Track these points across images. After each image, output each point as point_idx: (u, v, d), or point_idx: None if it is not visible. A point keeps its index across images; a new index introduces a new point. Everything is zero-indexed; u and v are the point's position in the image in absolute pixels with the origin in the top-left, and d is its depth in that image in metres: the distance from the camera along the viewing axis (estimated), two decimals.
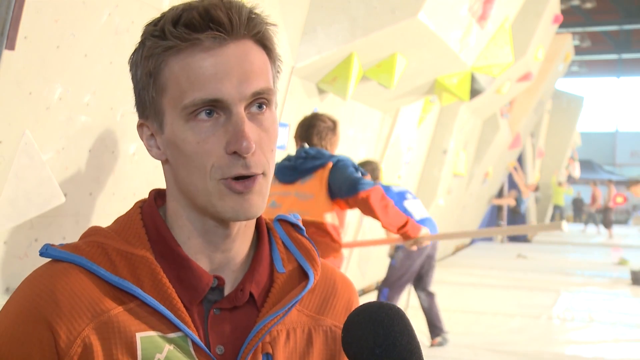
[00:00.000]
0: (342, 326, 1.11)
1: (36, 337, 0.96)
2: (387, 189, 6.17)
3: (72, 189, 3.32)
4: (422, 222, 6.26)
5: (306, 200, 4.04)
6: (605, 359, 6.47)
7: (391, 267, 6.36)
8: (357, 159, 7.32)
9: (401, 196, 6.23)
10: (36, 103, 2.99)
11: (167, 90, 0.99)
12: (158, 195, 1.10)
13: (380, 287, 6.44)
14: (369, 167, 6.12)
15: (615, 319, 8.33)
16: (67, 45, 3.07)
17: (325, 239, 4.03)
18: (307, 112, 5.97)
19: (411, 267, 6.30)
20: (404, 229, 4.17)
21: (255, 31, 1.00)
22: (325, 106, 6.27)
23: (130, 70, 1.04)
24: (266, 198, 1.02)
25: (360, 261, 8.39)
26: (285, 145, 5.74)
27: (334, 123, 4.26)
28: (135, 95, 1.05)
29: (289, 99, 5.51)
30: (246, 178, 0.99)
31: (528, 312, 8.56)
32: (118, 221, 1.08)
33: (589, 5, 19.57)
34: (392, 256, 6.42)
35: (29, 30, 2.85)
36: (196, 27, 0.97)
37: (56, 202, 3.18)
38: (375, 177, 6.11)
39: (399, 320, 0.94)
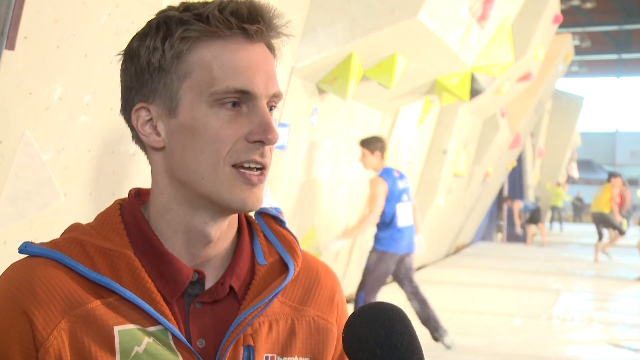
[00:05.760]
0: (325, 316, 1.13)
1: (14, 326, 0.97)
2: (387, 172, 6.17)
3: (72, 189, 3.32)
4: (404, 229, 6.26)
5: None
6: (605, 359, 6.47)
7: (366, 270, 6.34)
8: (357, 159, 7.32)
9: (399, 196, 6.22)
10: (36, 103, 2.99)
11: (191, 75, 1.01)
12: (138, 194, 1.11)
13: (357, 291, 6.35)
14: (378, 143, 6.14)
15: (615, 319, 8.33)
16: (67, 45, 3.07)
17: None
18: (307, 112, 5.98)
19: (384, 269, 6.26)
20: None
21: (275, 38, 1.06)
22: (325, 106, 6.26)
23: (138, 54, 1.03)
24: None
25: (361, 261, 8.39)
26: (286, 146, 5.74)
27: None
28: (137, 78, 1.04)
29: (289, 99, 5.50)
30: (258, 170, 1.02)
31: (528, 312, 8.56)
32: (97, 218, 1.09)
33: (589, 5, 19.56)
34: (368, 258, 6.39)
35: (29, 30, 2.85)
36: (244, 18, 1.01)
37: (56, 202, 3.18)
38: (384, 155, 6.17)
39: (400, 320, 0.94)
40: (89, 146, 3.39)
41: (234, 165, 1.01)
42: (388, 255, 6.22)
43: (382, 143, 6.22)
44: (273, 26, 1.04)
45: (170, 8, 1.04)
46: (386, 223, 6.21)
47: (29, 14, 2.81)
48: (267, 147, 1.02)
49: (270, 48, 1.07)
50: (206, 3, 1.02)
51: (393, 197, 6.16)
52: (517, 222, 18.37)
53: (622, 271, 13.04)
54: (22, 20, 2.79)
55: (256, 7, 1.02)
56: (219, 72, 1.00)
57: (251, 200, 1.02)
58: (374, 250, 6.29)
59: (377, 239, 6.30)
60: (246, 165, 1.01)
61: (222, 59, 1.01)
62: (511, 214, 18.65)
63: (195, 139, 1.01)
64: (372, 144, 6.18)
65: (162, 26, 1.02)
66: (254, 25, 1.01)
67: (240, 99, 1.01)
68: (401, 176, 6.29)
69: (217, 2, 1.01)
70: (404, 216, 6.21)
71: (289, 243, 1.14)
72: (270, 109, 1.05)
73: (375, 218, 6.09)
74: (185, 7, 1.02)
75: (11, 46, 2.77)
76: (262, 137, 1.00)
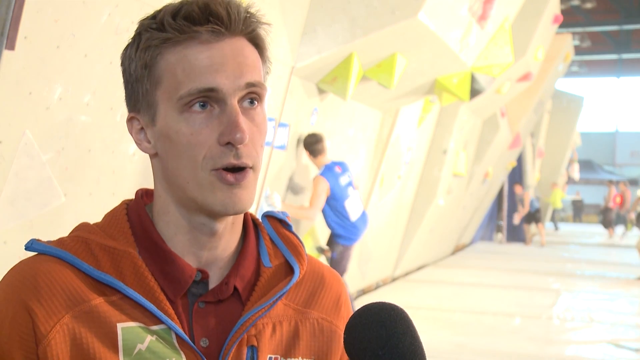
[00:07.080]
0: (330, 319, 1.12)
1: (15, 320, 0.98)
2: (329, 169, 6.07)
3: (72, 189, 3.32)
4: (357, 221, 6.35)
5: None
6: (605, 359, 6.47)
7: (333, 261, 6.45)
8: (357, 159, 7.30)
9: (343, 193, 6.20)
10: (36, 103, 2.99)
11: (162, 82, 1.01)
12: (145, 194, 1.12)
13: None
14: (303, 143, 6.00)
15: (615, 319, 8.33)
16: (67, 45, 3.06)
17: None
18: (307, 112, 5.97)
19: (348, 256, 6.56)
20: None
21: (249, 29, 1.03)
22: (325, 106, 6.26)
23: (123, 64, 1.05)
24: (254, 194, 1.03)
25: (360, 261, 8.39)
26: (286, 146, 5.74)
27: None
28: (126, 89, 1.06)
29: (289, 99, 5.50)
30: (237, 171, 1.00)
31: (528, 312, 8.56)
32: (105, 217, 1.10)
33: (589, 5, 19.58)
34: (333, 250, 6.51)
35: (29, 30, 2.85)
36: (195, 20, 0.99)
37: (56, 202, 3.18)
38: (320, 151, 6.01)
39: (402, 321, 0.94)
40: (89, 146, 3.38)
41: (213, 169, 1.00)
42: (350, 247, 6.55)
43: (307, 142, 6.01)
44: (235, 20, 1.01)
45: (150, 14, 1.04)
46: (341, 219, 6.34)
47: (29, 14, 2.81)
48: (246, 147, 1.00)
49: (249, 39, 1.04)
50: (167, 7, 1.01)
51: (337, 196, 6.17)
52: (521, 211, 18.05)
53: (622, 271, 13.04)
54: (22, 20, 2.79)
55: (210, 7, 0.99)
56: (183, 75, 0.99)
57: (233, 201, 1.00)
58: (337, 244, 6.47)
59: (337, 235, 6.44)
60: (224, 169, 1.00)
61: (185, 62, 0.99)
62: (513, 205, 18.49)
63: (173, 146, 1.01)
64: (303, 146, 6.06)
65: (136, 36, 1.03)
66: (207, 26, 0.99)
67: (209, 99, 0.99)
68: (344, 170, 6.26)
69: (172, 8, 1.00)
70: (354, 211, 6.35)
71: (295, 247, 1.14)
72: (252, 102, 1.02)
73: (315, 214, 6.07)
74: (154, 14, 1.02)
75: (11, 46, 2.77)
76: (229, 138, 0.98)
